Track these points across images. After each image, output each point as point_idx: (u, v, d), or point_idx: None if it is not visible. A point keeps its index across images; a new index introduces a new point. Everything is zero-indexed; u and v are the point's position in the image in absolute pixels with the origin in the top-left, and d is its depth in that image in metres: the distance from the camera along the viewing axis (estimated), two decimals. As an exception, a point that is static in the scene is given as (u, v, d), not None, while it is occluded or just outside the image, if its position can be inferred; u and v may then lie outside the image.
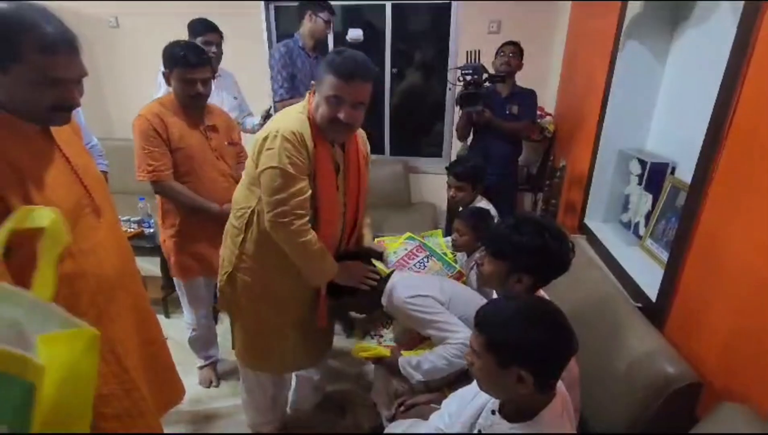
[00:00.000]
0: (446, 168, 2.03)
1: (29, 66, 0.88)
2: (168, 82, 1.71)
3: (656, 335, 1.20)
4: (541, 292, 1.15)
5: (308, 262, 1.33)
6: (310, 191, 1.26)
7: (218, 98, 2.22)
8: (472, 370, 0.87)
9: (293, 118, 1.27)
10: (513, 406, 0.87)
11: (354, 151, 1.41)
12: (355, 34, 2.42)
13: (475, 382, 0.99)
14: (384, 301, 1.46)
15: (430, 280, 1.53)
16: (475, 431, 0.92)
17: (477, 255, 1.67)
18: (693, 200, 1.26)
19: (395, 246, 1.80)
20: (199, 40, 2.11)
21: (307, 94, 1.33)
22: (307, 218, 1.27)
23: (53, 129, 1.03)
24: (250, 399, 1.68)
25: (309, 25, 2.41)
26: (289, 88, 2.38)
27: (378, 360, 1.56)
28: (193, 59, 1.63)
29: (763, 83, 1.03)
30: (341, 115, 1.22)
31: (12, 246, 0.90)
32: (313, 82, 1.29)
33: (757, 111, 1.05)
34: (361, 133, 1.48)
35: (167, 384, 1.35)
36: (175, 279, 1.89)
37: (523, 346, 0.79)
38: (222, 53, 2.29)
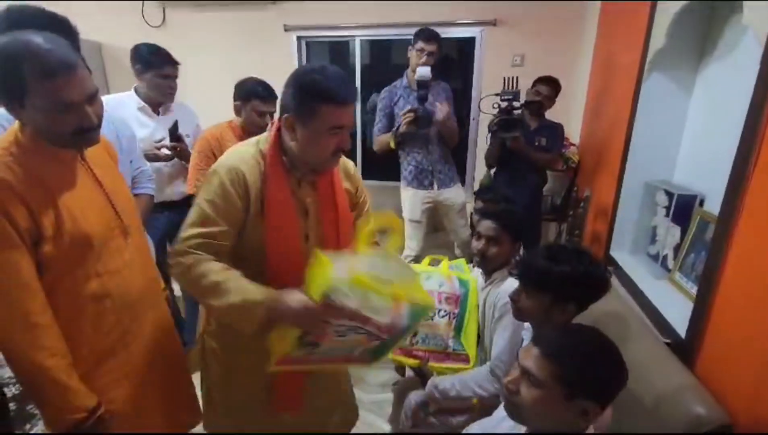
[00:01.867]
0: (478, 210, 1.71)
1: (37, 95, 0.89)
2: (239, 113, 1.96)
3: (686, 373, 1.15)
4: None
5: (204, 298, 1.01)
6: (227, 240, 1.05)
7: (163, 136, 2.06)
8: (516, 399, 0.81)
9: (239, 151, 1.10)
10: None
11: (327, 188, 1.16)
12: (423, 72, 2.27)
13: (497, 413, 0.97)
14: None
15: None
16: None
17: (503, 282, 1.54)
18: (721, 233, 1.23)
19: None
20: (152, 74, 1.97)
21: (270, 126, 1.15)
22: (204, 259, 1.01)
23: (88, 152, 1.07)
24: None
25: (413, 58, 2.43)
26: (383, 126, 2.53)
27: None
28: (265, 94, 1.92)
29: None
30: (343, 144, 1.06)
31: (46, 263, 0.96)
32: (285, 115, 1.05)
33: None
34: (344, 165, 1.25)
35: (185, 404, 1.36)
36: None
37: (598, 380, 0.78)
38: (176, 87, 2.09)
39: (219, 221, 1.03)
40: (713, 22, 1.71)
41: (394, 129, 2.42)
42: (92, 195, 1.05)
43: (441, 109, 2.33)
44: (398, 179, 3.61)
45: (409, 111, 2.29)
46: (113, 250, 1.08)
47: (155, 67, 1.94)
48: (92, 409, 1.00)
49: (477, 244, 1.56)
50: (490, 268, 1.57)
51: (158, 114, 2.02)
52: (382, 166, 3.75)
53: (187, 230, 1.03)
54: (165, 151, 1.98)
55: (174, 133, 1.98)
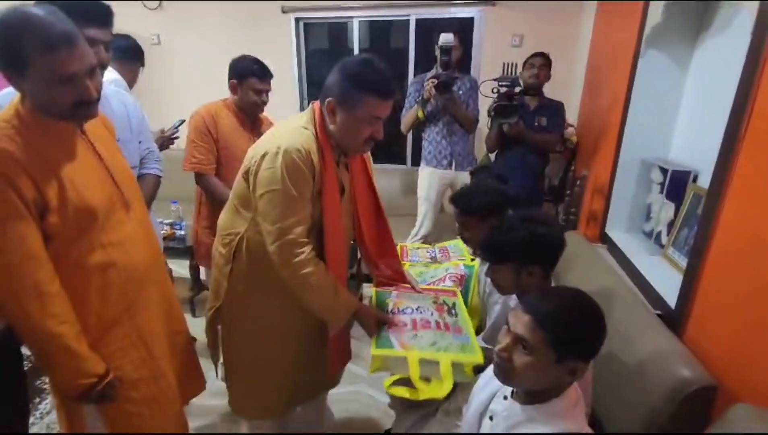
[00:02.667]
0: (450, 199, 1.67)
1: (39, 68, 0.90)
2: (234, 92, 1.94)
3: (672, 339, 1.19)
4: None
5: (319, 297, 1.18)
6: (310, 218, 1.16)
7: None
8: (509, 365, 0.84)
9: (297, 132, 1.14)
10: (529, 392, 0.88)
11: (359, 170, 1.30)
12: (446, 38, 2.39)
13: (486, 374, 1.02)
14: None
15: None
16: (488, 417, 0.94)
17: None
18: (710, 206, 1.26)
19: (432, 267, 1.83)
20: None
21: (312, 107, 1.21)
22: (311, 247, 1.15)
23: (87, 126, 1.08)
24: None
25: (438, 54, 2.47)
26: (412, 107, 2.60)
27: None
28: (262, 72, 1.90)
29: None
30: (378, 134, 1.16)
31: (52, 234, 0.99)
32: (328, 99, 1.13)
33: (772, 115, 1.05)
34: None
35: (190, 374, 1.40)
36: (203, 269, 2.01)
37: (586, 341, 0.82)
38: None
39: (305, 202, 1.13)
40: (710, -2, 1.71)
41: (420, 98, 2.51)
42: (93, 167, 1.07)
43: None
44: (399, 162, 3.68)
45: (433, 77, 2.41)
46: (116, 222, 1.10)
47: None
48: (101, 376, 1.04)
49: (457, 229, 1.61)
50: (473, 248, 1.64)
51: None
52: (384, 150, 3.78)
53: (283, 220, 1.11)
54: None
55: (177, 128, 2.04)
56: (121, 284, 1.11)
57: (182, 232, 2.58)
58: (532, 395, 0.87)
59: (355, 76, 1.09)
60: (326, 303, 1.19)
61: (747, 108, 1.13)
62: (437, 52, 2.45)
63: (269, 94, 1.98)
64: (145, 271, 1.18)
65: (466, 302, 1.66)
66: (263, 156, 1.11)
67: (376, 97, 1.09)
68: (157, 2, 3.50)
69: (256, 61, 1.93)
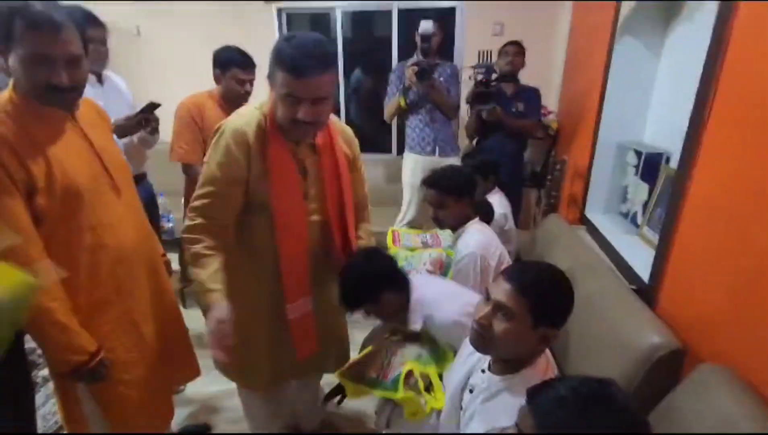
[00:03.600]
0: (424, 180, 1.69)
1: (20, 43, 0.96)
2: (218, 82, 1.96)
3: (644, 309, 1.27)
4: None
5: (195, 284, 1.18)
6: (236, 199, 1.17)
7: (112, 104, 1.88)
8: (488, 332, 0.89)
9: (247, 113, 1.18)
10: (504, 363, 0.94)
11: (329, 152, 1.25)
12: (425, 26, 2.44)
13: (463, 351, 1.08)
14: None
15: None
16: (468, 390, 1.00)
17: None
18: (679, 185, 1.33)
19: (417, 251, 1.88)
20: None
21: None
22: (213, 227, 1.17)
23: (78, 114, 1.13)
24: (247, 413, 1.60)
25: (419, 42, 2.53)
26: (394, 95, 2.63)
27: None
28: (245, 62, 1.92)
29: (739, 74, 1.11)
30: (300, 115, 1.08)
31: (41, 215, 1.02)
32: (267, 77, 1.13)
33: (735, 97, 1.12)
34: (343, 131, 1.35)
35: (182, 359, 1.43)
36: None
37: (559, 309, 0.90)
38: (108, 51, 1.88)
39: (224, 181, 1.15)
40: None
41: (402, 86, 2.55)
42: (80, 150, 1.11)
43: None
44: (384, 151, 3.72)
45: (414, 64, 2.46)
46: (105, 204, 1.13)
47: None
48: (92, 353, 1.08)
49: (430, 212, 1.68)
50: (447, 227, 1.71)
51: (101, 84, 1.91)
52: (369, 139, 3.81)
53: (201, 189, 1.17)
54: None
55: (152, 108, 1.85)
56: (110, 265, 1.15)
57: (170, 225, 2.59)
58: (507, 366, 0.93)
59: (274, 52, 1.07)
60: (196, 288, 1.17)
61: (711, 92, 1.19)
62: (417, 39, 2.49)
63: (253, 83, 1.99)
64: (134, 253, 1.21)
65: None
66: (215, 130, 1.18)
67: (287, 74, 1.04)
68: (137, -7, 3.44)
69: (239, 51, 1.94)
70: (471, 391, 0.99)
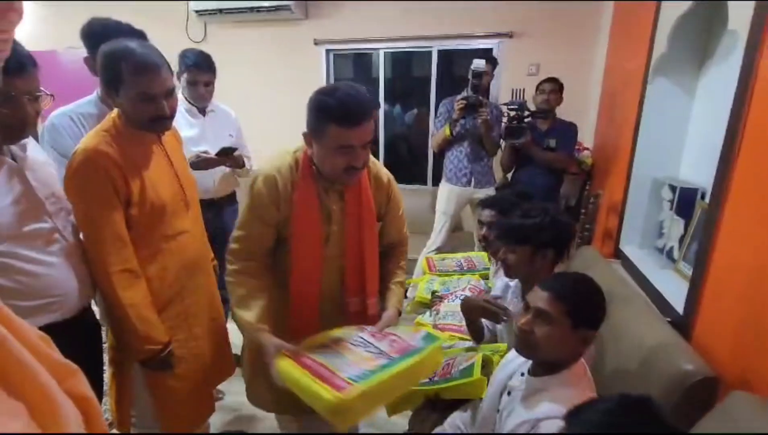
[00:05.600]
0: (479, 202, 1.73)
1: (129, 86, 1.14)
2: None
3: (677, 337, 1.28)
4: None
5: (232, 308, 1.23)
6: (264, 238, 1.23)
7: (212, 135, 2.16)
8: (531, 337, 0.96)
9: (280, 157, 1.23)
10: (544, 366, 1.00)
11: (355, 197, 1.26)
12: (478, 63, 2.59)
13: (505, 358, 1.14)
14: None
15: None
16: (506, 393, 1.06)
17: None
18: (711, 219, 1.36)
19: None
20: (188, 77, 2.09)
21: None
22: (243, 263, 1.22)
23: (164, 138, 1.33)
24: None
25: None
26: (441, 127, 2.79)
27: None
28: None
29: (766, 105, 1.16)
30: (357, 162, 1.13)
31: (131, 224, 1.19)
32: (304, 132, 1.16)
33: (764, 130, 1.17)
34: (377, 176, 1.33)
35: (223, 358, 1.56)
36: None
37: (594, 310, 0.98)
38: (213, 91, 2.16)
39: (256, 223, 1.21)
40: (712, 27, 1.85)
41: (449, 118, 2.71)
42: (165, 171, 1.30)
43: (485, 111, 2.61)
44: (420, 182, 3.85)
45: (462, 98, 2.62)
46: (178, 216, 1.31)
47: (190, 70, 2.06)
48: (165, 344, 1.23)
49: (480, 231, 1.74)
50: (493, 252, 1.72)
51: (204, 115, 2.15)
52: (406, 171, 3.97)
53: (236, 232, 1.25)
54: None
55: (225, 151, 2.06)
56: (176, 270, 1.30)
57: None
58: (546, 369, 0.98)
59: (318, 107, 1.09)
60: (234, 313, 1.21)
61: (740, 126, 1.25)
62: (470, 75, 2.64)
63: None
64: (196, 261, 1.38)
65: None
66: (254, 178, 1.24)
67: (339, 127, 1.07)
68: (202, 34, 3.83)
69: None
70: (509, 393, 1.05)
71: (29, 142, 1.14)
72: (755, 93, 1.20)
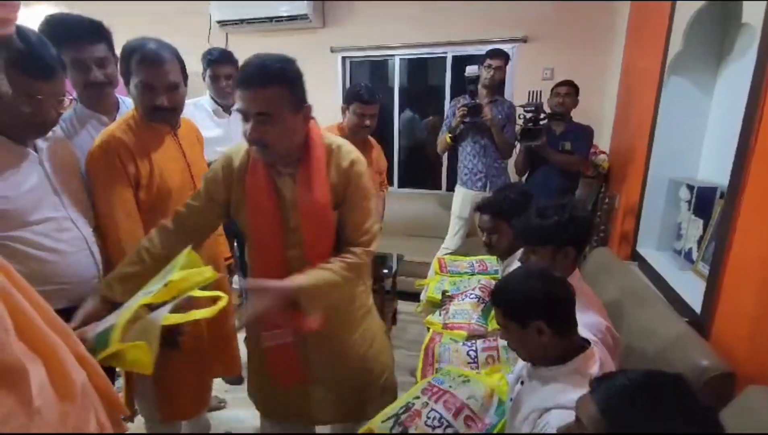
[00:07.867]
0: (478, 206, 1.72)
1: (134, 75, 1.25)
2: (344, 114, 2.14)
3: (694, 336, 1.26)
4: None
5: None
6: (204, 212, 1.22)
7: (236, 135, 2.06)
8: (512, 347, 1.04)
9: (239, 144, 1.24)
10: (545, 357, 0.99)
11: (305, 180, 1.16)
12: (471, 70, 2.65)
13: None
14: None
15: None
16: (520, 382, 1.07)
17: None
18: (726, 217, 1.34)
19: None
20: (210, 72, 2.14)
21: None
22: (170, 227, 1.21)
23: (180, 132, 1.41)
24: None
25: (483, 73, 2.70)
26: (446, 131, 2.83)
27: None
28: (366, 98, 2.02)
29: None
30: (251, 135, 1.07)
31: (139, 205, 1.28)
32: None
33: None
34: (336, 160, 1.19)
35: (226, 352, 1.59)
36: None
37: (532, 304, 0.95)
38: None
39: (204, 196, 1.21)
40: (728, 25, 1.83)
41: (450, 124, 2.73)
42: (176, 160, 1.39)
43: (486, 112, 2.62)
44: (434, 187, 3.86)
45: (462, 106, 2.64)
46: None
47: (212, 66, 2.12)
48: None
49: (482, 237, 1.72)
50: (499, 254, 1.72)
51: (229, 114, 2.21)
52: (418, 176, 3.99)
53: (189, 199, 1.25)
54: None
55: None
56: None
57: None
58: (551, 361, 0.98)
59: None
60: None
61: (755, 124, 1.23)
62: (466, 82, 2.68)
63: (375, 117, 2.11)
64: (206, 248, 1.38)
65: (489, 309, 1.76)
66: None
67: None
68: (224, 43, 3.94)
69: (363, 88, 2.05)
70: (522, 383, 1.06)
71: (54, 135, 1.21)
72: (771, 85, 1.19)
